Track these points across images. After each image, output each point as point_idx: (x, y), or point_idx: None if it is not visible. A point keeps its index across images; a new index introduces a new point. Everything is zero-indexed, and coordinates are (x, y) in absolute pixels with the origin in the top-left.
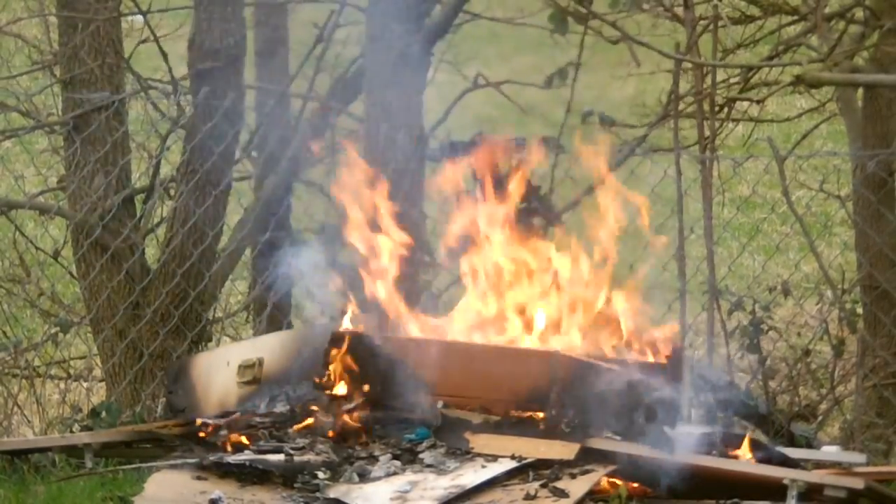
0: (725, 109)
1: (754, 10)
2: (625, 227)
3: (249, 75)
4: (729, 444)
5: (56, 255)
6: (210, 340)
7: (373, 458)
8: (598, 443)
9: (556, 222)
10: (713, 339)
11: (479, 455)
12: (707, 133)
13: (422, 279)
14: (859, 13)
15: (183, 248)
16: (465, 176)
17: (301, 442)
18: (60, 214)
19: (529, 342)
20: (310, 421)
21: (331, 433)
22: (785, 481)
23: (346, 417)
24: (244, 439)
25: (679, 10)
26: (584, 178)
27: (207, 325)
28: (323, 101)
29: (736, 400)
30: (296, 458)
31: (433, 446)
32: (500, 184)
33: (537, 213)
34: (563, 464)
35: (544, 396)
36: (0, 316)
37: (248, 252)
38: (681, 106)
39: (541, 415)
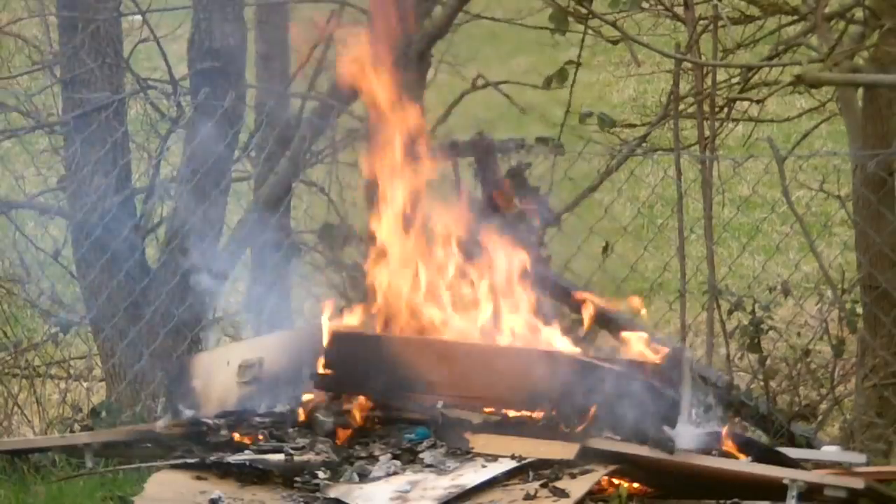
0: (725, 109)
1: (754, 10)
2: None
3: (249, 75)
4: (728, 443)
5: (56, 255)
6: (210, 340)
7: (373, 458)
8: (597, 443)
9: (555, 223)
10: (713, 339)
11: (480, 455)
12: (707, 133)
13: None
14: (859, 13)
15: (183, 248)
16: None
17: (301, 442)
18: (60, 214)
19: (529, 342)
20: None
21: (336, 434)
22: (785, 481)
23: (345, 417)
24: (244, 439)
25: (679, 10)
26: (582, 178)
27: (207, 324)
28: (323, 100)
29: (736, 400)
30: (296, 458)
31: (433, 446)
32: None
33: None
34: (563, 464)
35: (544, 396)
36: (0, 316)
37: (248, 252)
38: (681, 106)
39: (541, 415)
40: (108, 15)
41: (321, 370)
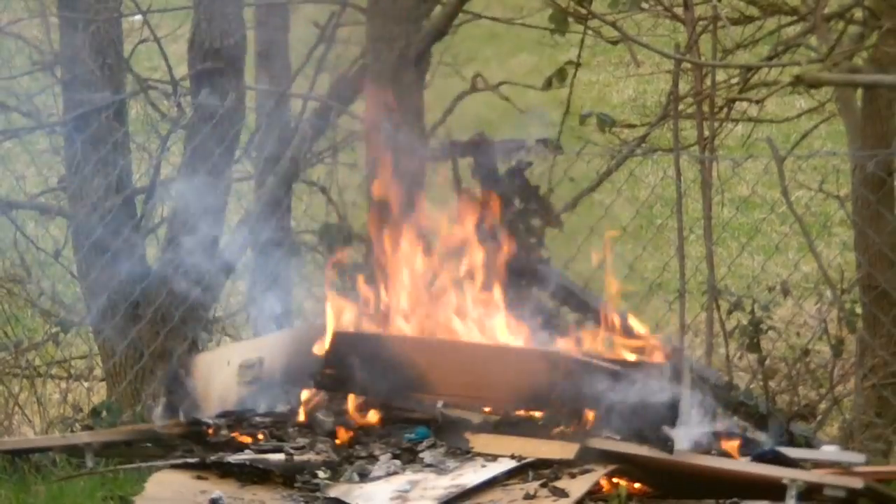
0: (725, 110)
1: (754, 11)
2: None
3: (250, 76)
4: (728, 443)
5: (57, 255)
6: (210, 340)
7: (373, 458)
8: (597, 442)
9: (554, 223)
10: (712, 339)
11: (479, 455)
12: (707, 133)
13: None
14: (858, 13)
15: (183, 249)
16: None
17: (301, 441)
18: (61, 215)
19: (529, 342)
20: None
21: (336, 434)
22: (784, 481)
23: (345, 417)
24: (244, 439)
25: (679, 11)
26: (582, 178)
27: (207, 324)
28: (323, 100)
29: (735, 400)
30: (296, 458)
31: (433, 446)
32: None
33: (535, 215)
34: (563, 463)
35: (544, 396)
36: (1, 316)
37: (248, 252)
38: (680, 106)
39: (540, 414)
40: (108, 15)
41: (322, 370)
